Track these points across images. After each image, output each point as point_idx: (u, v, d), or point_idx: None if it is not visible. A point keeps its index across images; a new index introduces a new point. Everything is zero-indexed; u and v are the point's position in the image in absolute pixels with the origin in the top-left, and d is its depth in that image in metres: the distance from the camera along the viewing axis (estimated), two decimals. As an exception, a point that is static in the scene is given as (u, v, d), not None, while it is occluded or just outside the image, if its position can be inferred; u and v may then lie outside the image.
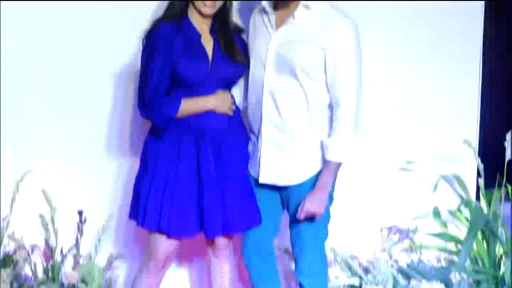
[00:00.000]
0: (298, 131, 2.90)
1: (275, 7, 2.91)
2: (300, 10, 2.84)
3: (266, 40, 2.91)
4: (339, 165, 2.88)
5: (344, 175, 3.02)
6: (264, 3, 2.93)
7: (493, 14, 3.66)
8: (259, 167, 2.95)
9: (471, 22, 3.56)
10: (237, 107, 3.04)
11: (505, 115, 3.93)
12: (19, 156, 3.53)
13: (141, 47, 2.98)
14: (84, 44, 3.51)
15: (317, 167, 2.90)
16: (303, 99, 2.87)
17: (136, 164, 3.12)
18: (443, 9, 3.54)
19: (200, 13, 2.94)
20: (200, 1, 2.91)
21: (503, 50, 4.02)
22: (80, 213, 3.46)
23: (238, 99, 3.08)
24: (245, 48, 3.06)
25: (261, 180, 2.95)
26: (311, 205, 2.86)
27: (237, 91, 3.12)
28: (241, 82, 3.10)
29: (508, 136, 3.37)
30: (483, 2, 3.54)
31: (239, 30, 3.09)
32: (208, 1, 2.90)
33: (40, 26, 3.51)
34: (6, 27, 3.48)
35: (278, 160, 2.93)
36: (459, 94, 3.57)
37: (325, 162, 2.88)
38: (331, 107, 2.87)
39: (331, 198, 2.95)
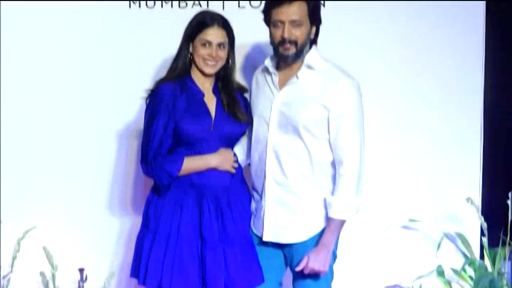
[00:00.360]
0: (301, 188, 2.90)
1: (278, 68, 2.97)
2: (303, 71, 2.89)
3: (270, 99, 2.94)
4: (342, 222, 2.88)
5: (348, 232, 3.03)
6: (267, 63, 2.98)
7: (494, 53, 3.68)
8: (263, 225, 2.96)
9: (470, 72, 3.59)
10: (239, 165, 3.05)
11: (508, 174, 3.88)
12: (20, 213, 3.56)
13: (144, 106, 3.02)
14: (87, 103, 3.58)
15: (320, 225, 2.90)
16: (307, 157, 2.89)
17: (138, 221, 3.12)
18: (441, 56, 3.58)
19: (202, 72, 2.99)
20: (201, 61, 2.95)
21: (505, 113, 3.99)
22: (81, 270, 3.46)
23: (241, 157, 3.10)
24: (247, 107, 3.09)
25: (264, 238, 2.95)
26: (315, 263, 2.85)
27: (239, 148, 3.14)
28: (243, 140, 3.13)
29: (511, 195, 3.40)
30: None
31: (241, 89, 3.12)
32: (209, 61, 2.94)
33: (45, 85, 3.57)
34: (8, 87, 3.55)
35: (282, 218, 2.93)
36: (461, 153, 3.58)
37: (328, 219, 2.88)
38: (333, 164, 2.89)
39: (334, 256, 2.94)
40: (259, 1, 3.47)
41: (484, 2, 3.54)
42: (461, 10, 3.55)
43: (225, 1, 3.52)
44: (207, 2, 3.52)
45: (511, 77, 3.85)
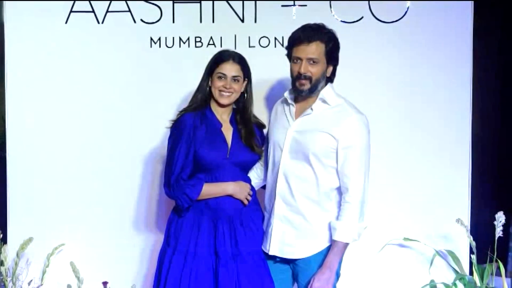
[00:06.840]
0: (308, 210, 3.01)
1: (296, 100, 3.09)
2: (317, 104, 3.02)
3: (285, 127, 3.06)
4: (345, 245, 2.98)
5: (349, 250, 3.08)
6: (286, 95, 3.11)
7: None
8: (270, 240, 3.08)
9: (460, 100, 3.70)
10: (253, 188, 3.16)
11: (494, 198, 4.02)
12: (50, 232, 3.68)
13: (167, 134, 3.16)
14: (117, 131, 3.72)
15: (323, 244, 3.01)
16: (314, 182, 2.99)
17: (160, 238, 3.26)
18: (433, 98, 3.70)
19: (218, 103, 3.12)
20: (217, 92, 3.08)
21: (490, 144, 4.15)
22: (105, 284, 3.58)
23: (254, 181, 3.21)
24: (263, 140, 3.20)
25: (270, 252, 3.06)
26: (319, 283, 2.97)
27: (253, 173, 3.25)
28: (258, 166, 3.23)
29: (497, 216, 3.46)
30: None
31: (259, 125, 3.23)
32: (224, 92, 3.07)
33: (82, 116, 3.71)
34: (48, 116, 3.68)
35: (288, 236, 3.05)
36: (452, 179, 3.70)
37: (332, 241, 2.97)
38: (339, 190, 3.01)
39: (337, 275, 3.04)
40: (267, 41, 3.64)
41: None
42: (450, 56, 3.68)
43: (236, 41, 3.66)
44: (221, 42, 3.66)
45: (496, 110, 4.02)
